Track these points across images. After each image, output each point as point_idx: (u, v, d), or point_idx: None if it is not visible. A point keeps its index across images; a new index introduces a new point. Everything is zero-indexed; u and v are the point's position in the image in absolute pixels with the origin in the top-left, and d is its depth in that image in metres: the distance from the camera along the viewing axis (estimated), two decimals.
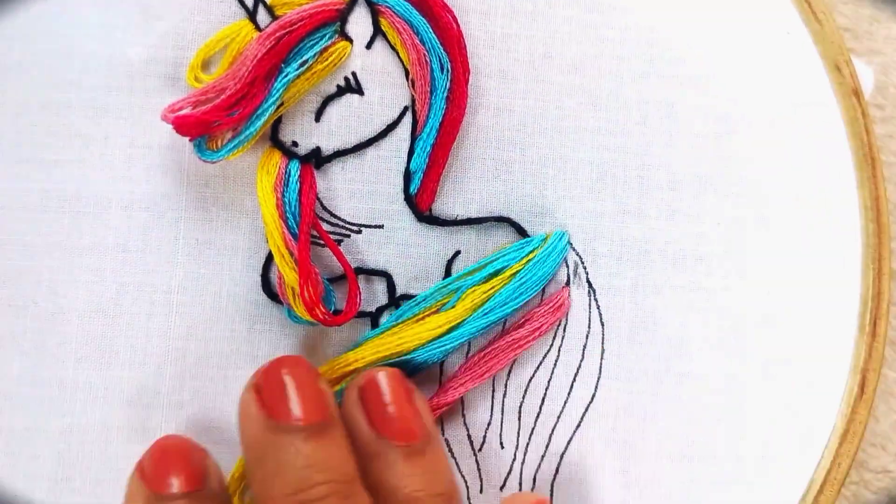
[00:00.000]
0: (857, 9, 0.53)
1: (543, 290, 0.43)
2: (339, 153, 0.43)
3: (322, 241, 0.42)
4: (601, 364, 0.44)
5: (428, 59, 0.42)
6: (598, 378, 0.44)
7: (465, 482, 0.44)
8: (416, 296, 0.43)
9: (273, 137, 0.42)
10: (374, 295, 0.43)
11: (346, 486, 0.35)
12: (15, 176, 0.42)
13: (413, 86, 0.43)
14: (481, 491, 0.44)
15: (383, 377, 0.39)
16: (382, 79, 0.43)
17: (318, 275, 0.42)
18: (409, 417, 0.38)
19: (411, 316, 0.43)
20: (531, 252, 0.43)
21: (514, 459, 0.44)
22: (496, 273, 0.43)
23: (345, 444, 0.37)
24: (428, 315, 0.43)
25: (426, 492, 0.37)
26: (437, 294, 0.43)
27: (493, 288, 0.42)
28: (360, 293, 0.42)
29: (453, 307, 0.42)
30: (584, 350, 0.44)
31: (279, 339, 0.43)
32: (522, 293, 0.43)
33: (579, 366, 0.44)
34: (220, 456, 0.42)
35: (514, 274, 0.43)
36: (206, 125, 0.40)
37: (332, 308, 0.42)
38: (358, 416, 0.38)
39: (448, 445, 0.44)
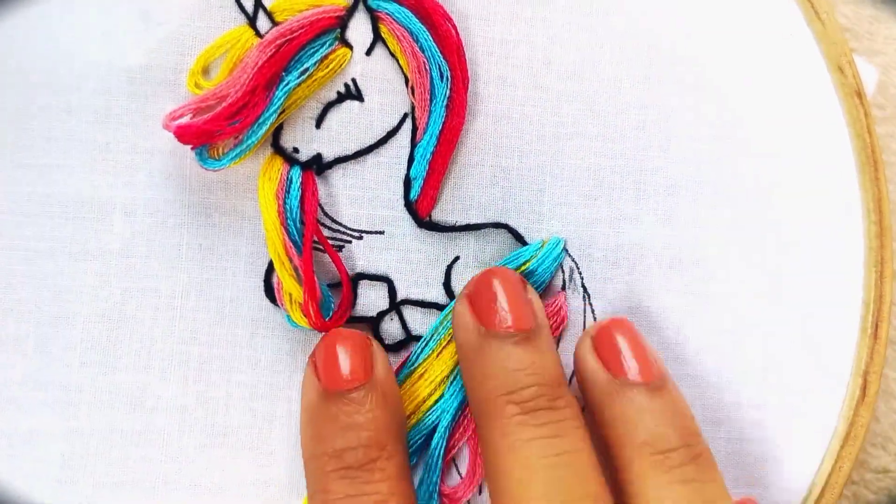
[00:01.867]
0: (858, 9, 0.52)
1: (541, 297, 0.43)
2: (340, 159, 0.43)
3: (321, 247, 0.42)
4: None
5: (428, 67, 0.42)
6: None
7: None
8: (418, 302, 0.44)
9: (274, 143, 0.43)
10: (375, 300, 0.44)
11: (553, 389, 0.38)
12: (16, 180, 0.42)
13: (413, 93, 0.43)
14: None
15: (619, 325, 0.41)
16: (382, 85, 0.43)
17: (315, 281, 0.42)
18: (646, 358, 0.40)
19: (430, 353, 0.43)
20: (525, 262, 0.43)
21: None
22: None
23: (551, 350, 0.40)
24: (444, 347, 0.43)
25: (667, 426, 0.39)
26: (448, 322, 0.43)
27: None
28: (353, 300, 0.43)
29: None
30: None
31: (281, 344, 0.43)
32: None
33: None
34: (225, 459, 0.43)
35: None
36: (207, 135, 0.40)
37: (330, 314, 0.42)
38: (592, 361, 0.40)
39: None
